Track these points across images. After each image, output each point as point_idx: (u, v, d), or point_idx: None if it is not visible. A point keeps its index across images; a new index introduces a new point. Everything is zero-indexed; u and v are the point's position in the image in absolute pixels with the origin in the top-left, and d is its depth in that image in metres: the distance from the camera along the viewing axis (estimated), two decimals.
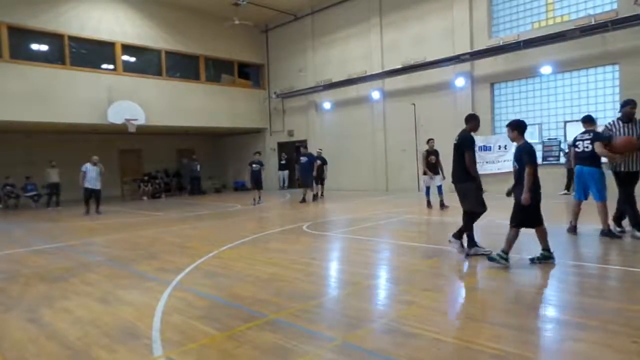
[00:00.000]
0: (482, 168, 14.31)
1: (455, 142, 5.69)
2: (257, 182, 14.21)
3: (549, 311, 3.71)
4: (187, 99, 18.27)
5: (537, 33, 12.73)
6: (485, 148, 14.04)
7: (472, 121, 5.75)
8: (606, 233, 6.35)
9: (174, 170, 22.35)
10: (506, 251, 5.00)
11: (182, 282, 4.98)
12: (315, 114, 19.53)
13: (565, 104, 12.79)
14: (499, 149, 13.80)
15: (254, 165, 14.22)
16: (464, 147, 5.53)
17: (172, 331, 3.50)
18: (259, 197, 14.06)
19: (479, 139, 14.11)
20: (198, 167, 20.06)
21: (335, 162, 18.31)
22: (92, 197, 12.89)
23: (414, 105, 15.66)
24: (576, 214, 6.77)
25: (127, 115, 16.19)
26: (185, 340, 3.31)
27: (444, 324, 3.44)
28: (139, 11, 17.37)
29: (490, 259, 5.11)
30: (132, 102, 16.41)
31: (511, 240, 5.01)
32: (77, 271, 5.79)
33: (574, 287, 4.36)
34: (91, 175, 12.76)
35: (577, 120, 12.48)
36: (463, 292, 4.42)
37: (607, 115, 12.05)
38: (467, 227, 5.64)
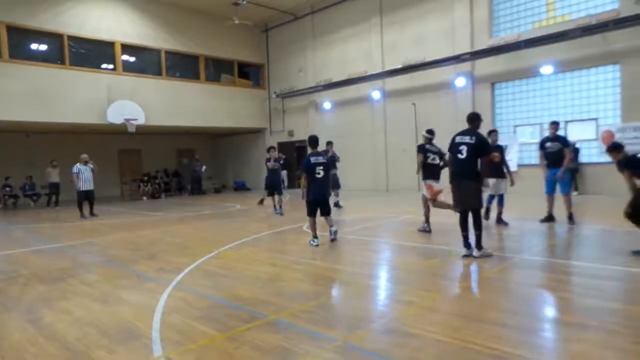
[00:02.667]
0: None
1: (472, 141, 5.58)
2: (274, 186, 11.16)
3: (549, 311, 3.70)
4: (187, 99, 18.26)
5: (537, 33, 12.71)
6: None
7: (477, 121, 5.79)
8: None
9: (174, 170, 22.35)
10: (314, 235, 6.84)
11: (182, 282, 4.97)
12: (315, 114, 19.52)
13: (565, 104, 12.78)
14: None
15: (269, 164, 11.25)
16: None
17: (171, 331, 3.49)
18: (280, 206, 11.02)
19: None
20: (203, 167, 20.01)
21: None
22: (86, 200, 12.17)
23: (414, 105, 15.65)
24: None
25: (127, 115, 16.18)
26: (185, 341, 3.30)
27: (444, 324, 3.43)
28: (138, 11, 17.37)
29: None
30: (132, 102, 16.40)
31: (311, 226, 6.95)
32: (77, 271, 5.79)
33: (573, 287, 4.35)
34: (85, 176, 11.98)
35: (578, 120, 12.52)
36: (463, 292, 4.41)
37: (607, 115, 12.05)
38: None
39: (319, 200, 6.82)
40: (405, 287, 4.57)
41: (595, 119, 12.14)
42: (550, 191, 7.72)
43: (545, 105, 13.17)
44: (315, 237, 6.80)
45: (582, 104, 12.49)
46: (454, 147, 5.68)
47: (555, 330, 3.28)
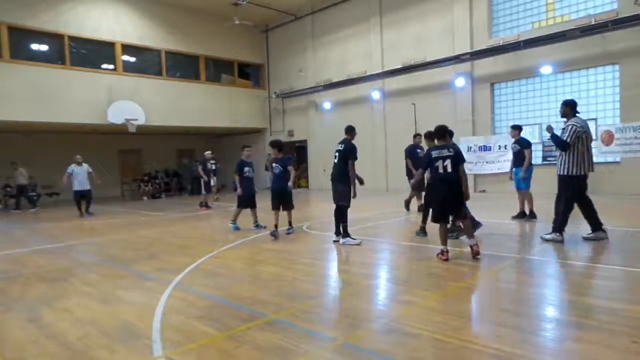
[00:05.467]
0: (482, 168, 14.35)
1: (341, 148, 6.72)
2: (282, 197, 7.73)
3: (549, 311, 3.70)
4: (187, 99, 18.27)
5: (537, 33, 12.73)
6: (485, 148, 14.04)
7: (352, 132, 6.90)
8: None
9: (174, 170, 22.34)
10: (234, 220, 8.64)
11: (182, 282, 4.98)
12: (315, 114, 19.53)
13: None
14: (499, 149, 13.80)
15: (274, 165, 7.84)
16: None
17: (172, 331, 3.50)
18: (289, 225, 7.96)
19: (479, 139, 14.16)
20: (198, 168, 19.91)
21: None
22: (83, 199, 12.44)
23: (414, 105, 15.66)
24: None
25: (127, 115, 16.19)
26: (185, 340, 3.31)
27: (444, 324, 3.44)
28: (139, 11, 17.38)
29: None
30: (132, 102, 16.41)
31: (235, 215, 8.71)
32: (77, 271, 5.79)
33: (574, 287, 4.36)
34: (80, 176, 12.29)
35: None
36: (463, 292, 4.42)
37: (607, 115, 12.06)
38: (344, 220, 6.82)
39: (251, 196, 8.61)
40: (405, 287, 4.57)
41: (595, 119, 12.15)
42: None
43: (545, 106, 13.19)
44: (234, 221, 8.61)
45: (581, 104, 12.41)
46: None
47: (555, 329, 3.29)
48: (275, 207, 7.67)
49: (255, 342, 3.22)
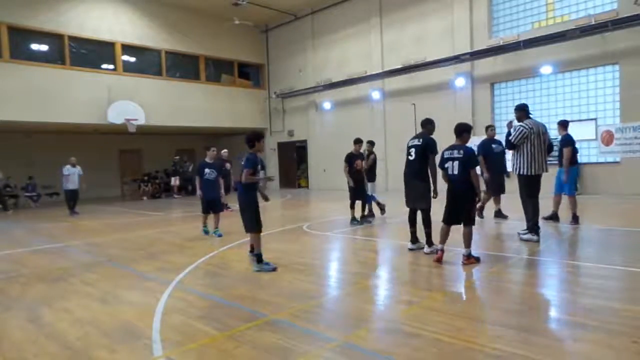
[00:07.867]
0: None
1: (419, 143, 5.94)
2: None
3: (549, 311, 3.70)
4: (187, 99, 18.26)
5: (537, 33, 12.72)
6: None
7: (429, 125, 6.17)
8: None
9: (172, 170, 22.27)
10: (204, 225, 8.19)
11: (182, 282, 4.98)
12: (315, 114, 19.53)
13: (565, 104, 12.79)
14: None
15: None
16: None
17: (172, 331, 3.50)
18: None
19: (480, 140, 14.14)
20: (190, 167, 19.74)
21: (335, 162, 18.32)
22: (74, 198, 13.20)
23: (414, 105, 15.65)
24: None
25: (127, 115, 16.19)
26: (185, 340, 3.31)
27: (444, 323, 3.44)
28: (139, 11, 17.37)
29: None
30: (132, 102, 16.41)
31: (203, 220, 8.28)
32: (77, 271, 5.79)
33: (574, 287, 4.36)
34: (73, 177, 13.08)
35: (577, 120, 12.52)
36: (463, 292, 4.42)
37: (606, 115, 12.06)
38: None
39: (210, 199, 8.14)
40: (405, 287, 4.57)
41: (595, 119, 12.15)
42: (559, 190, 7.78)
43: (545, 106, 13.18)
44: (205, 225, 8.21)
45: (581, 104, 12.50)
46: (407, 149, 6.14)
47: (556, 329, 3.29)
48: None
49: (255, 342, 3.22)
